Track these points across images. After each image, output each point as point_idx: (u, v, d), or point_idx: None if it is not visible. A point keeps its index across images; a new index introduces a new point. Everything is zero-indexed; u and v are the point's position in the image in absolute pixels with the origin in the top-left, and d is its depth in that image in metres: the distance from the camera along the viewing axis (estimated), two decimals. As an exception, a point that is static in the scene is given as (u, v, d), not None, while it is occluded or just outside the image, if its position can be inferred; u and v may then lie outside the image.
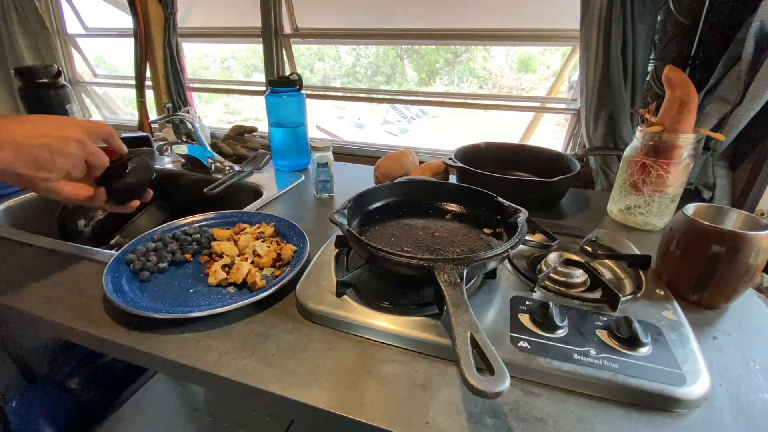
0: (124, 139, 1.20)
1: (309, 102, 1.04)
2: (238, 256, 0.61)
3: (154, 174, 0.61)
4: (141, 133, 1.18)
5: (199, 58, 3.44)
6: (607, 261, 0.61)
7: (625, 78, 0.92)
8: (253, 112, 4.18)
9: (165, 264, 0.59)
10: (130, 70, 1.47)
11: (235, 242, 0.64)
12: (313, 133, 1.12)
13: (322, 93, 1.59)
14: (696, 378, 0.40)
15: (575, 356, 0.42)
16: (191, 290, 0.55)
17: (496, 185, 0.70)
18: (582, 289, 0.54)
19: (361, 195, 0.65)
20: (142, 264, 0.58)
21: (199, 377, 0.44)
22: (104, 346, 0.49)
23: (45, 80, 1.22)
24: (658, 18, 0.89)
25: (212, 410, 1.02)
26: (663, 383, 0.39)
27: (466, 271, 0.44)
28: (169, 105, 1.44)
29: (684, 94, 0.67)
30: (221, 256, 0.61)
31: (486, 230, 0.63)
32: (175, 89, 1.49)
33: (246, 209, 0.81)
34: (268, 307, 0.53)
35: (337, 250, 0.61)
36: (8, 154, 0.42)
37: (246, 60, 4.25)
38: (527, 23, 1.16)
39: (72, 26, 1.72)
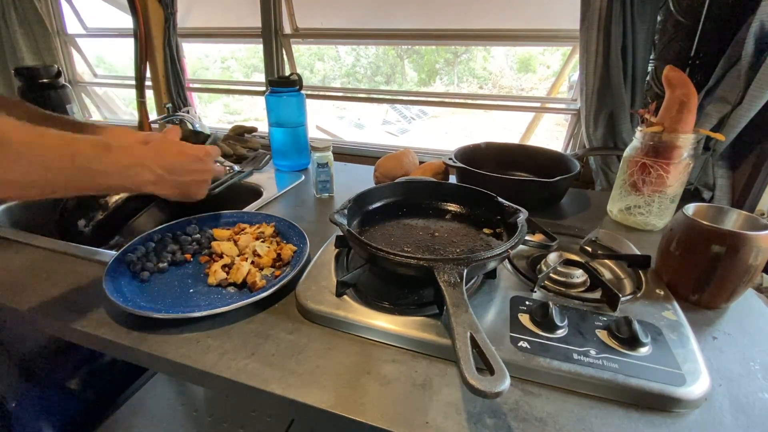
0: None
1: (309, 102, 1.04)
2: (238, 256, 0.61)
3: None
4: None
5: (199, 58, 3.44)
6: (607, 261, 0.61)
7: (625, 78, 0.92)
8: (253, 112, 4.18)
9: (165, 264, 0.59)
10: (130, 70, 1.47)
11: (235, 242, 0.64)
12: (313, 133, 1.12)
13: (322, 93, 1.59)
14: (696, 378, 0.40)
15: (575, 356, 0.42)
16: (191, 290, 0.55)
17: (496, 185, 0.70)
18: (582, 289, 0.54)
19: (361, 195, 0.65)
20: (142, 264, 0.58)
21: (199, 377, 0.44)
22: (104, 346, 0.49)
23: (45, 80, 1.22)
24: (658, 18, 0.89)
25: (212, 410, 1.01)
26: (663, 383, 0.39)
27: (465, 271, 0.44)
28: (169, 105, 1.44)
29: (684, 94, 0.67)
30: (221, 256, 0.61)
31: (486, 230, 0.63)
32: (175, 89, 1.49)
33: (246, 209, 0.81)
34: (268, 307, 0.53)
35: (337, 250, 0.61)
36: (150, 177, 0.52)
37: (246, 60, 4.25)
38: (527, 23, 1.16)
39: (72, 26, 1.72)
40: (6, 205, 0.86)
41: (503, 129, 3.78)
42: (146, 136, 0.63)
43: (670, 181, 0.69)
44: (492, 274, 0.55)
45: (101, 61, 2.18)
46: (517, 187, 0.81)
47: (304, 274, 0.56)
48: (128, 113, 1.92)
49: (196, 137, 1.10)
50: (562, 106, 1.24)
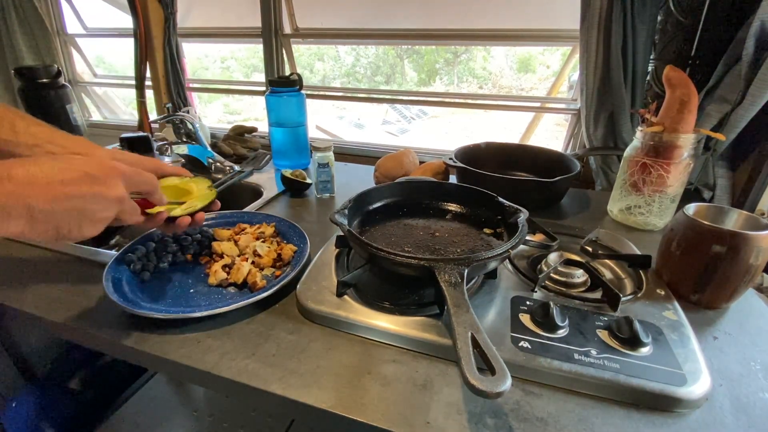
0: (123, 139, 1.19)
1: (309, 102, 1.04)
2: (239, 256, 0.61)
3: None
4: (141, 134, 1.18)
5: (199, 58, 3.44)
6: (607, 261, 0.61)
7: (625, 78, 0.92)
8: (253, 112, 4.18)
9: (165, 264, 0.59)
10: (130, 70, 1.47)
11: (236, 242, 0.63)
12: (312, 133, 1.12)
13: (322, 93, 1.59)
14: (697, 378, 0.40)
15: (576, 356, 0.42)
16: (191, 290, 0.55)
17: (496, 185, 0.70)
18: (582, 289, 0.54)
19: (361, 195, 0.65)
20: (142, 264, 0.58)
21: (200, 377, 0.44)
22: (104, 346, 0.49)
23: (45, 80, 1.22)
24: (658, 18, 0.89)
25: (212, 410, 1.01)
26: (664, 383, 0.39)
27: (466, 271, 0.44)
28: (169, 105, 1.44)
29: (684, 94, 0.67)
30: (222, 256, 0.61)
31: (486, 230, 0.63)
32: (175, 89, 1.49)
33: (246, 209, 0.81)
34: (268, 308, 0.52)
35: (337, 250, 0.61)
36: (18, 225, 0.33)
37: (246, 60, 4.25)
38: (527, 23, 1.16)
39: (72, 26, 1.72)
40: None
41: (503, 129, 3.78)
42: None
43: (670, 181, 0.69)
44: (493, 274, 0.55)
45: (101, 61, 2.18)
46: (517, 187, 0.81)
47: (305, 274, 0.56)
48: (128, 113, 1.92)
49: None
50: (562, 106, 1.24)
